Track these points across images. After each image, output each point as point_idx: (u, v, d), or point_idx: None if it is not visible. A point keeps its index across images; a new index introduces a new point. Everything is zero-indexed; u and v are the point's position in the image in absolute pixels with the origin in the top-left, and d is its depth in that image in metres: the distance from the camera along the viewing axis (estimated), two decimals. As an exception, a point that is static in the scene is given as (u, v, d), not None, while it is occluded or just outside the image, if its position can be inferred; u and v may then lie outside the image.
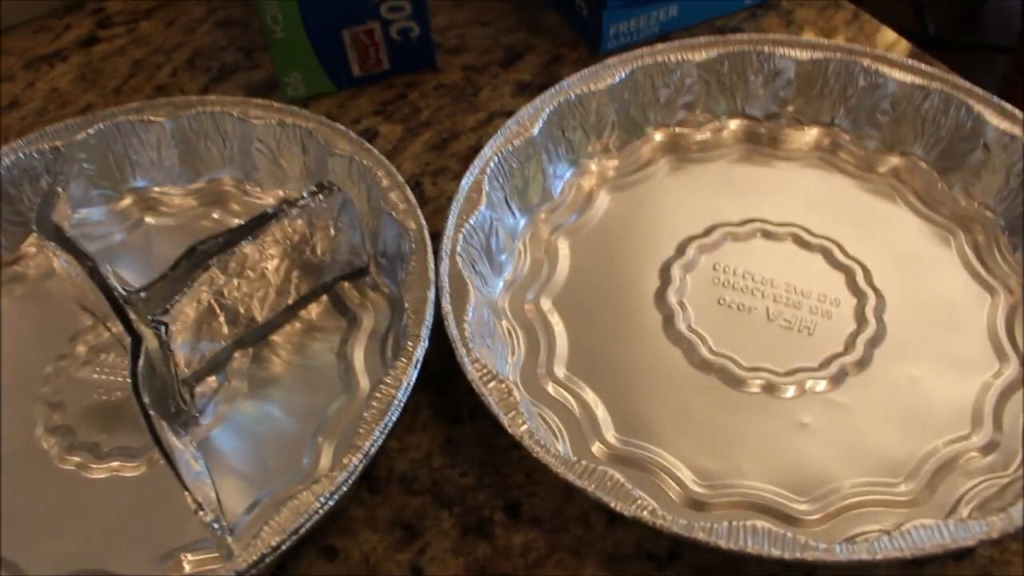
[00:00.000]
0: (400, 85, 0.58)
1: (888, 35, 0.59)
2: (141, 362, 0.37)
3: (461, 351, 0.37)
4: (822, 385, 0.41)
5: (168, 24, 0.66)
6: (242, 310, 0.43)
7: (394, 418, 0.35)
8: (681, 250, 0.46)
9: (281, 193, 0.50)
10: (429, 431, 0.41)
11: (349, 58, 0.56)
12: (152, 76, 0.62)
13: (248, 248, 0.41)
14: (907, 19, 1.57)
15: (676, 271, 0.45)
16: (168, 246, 0.49)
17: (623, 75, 0.49)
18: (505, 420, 0.35)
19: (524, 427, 0.35)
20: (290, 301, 0.44)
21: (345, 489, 0.34)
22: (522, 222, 0.47)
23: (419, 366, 0.37)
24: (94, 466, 0.40)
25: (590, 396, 0.41)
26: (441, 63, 0.59)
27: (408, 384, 0.36)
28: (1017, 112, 0.46)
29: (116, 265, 0.47)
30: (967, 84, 0.48)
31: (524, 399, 0.37)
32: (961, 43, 1.64)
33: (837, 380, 0.41)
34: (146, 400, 0.36)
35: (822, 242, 0.46)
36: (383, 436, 0.35)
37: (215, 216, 0.50)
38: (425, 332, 0.38)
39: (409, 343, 0.37)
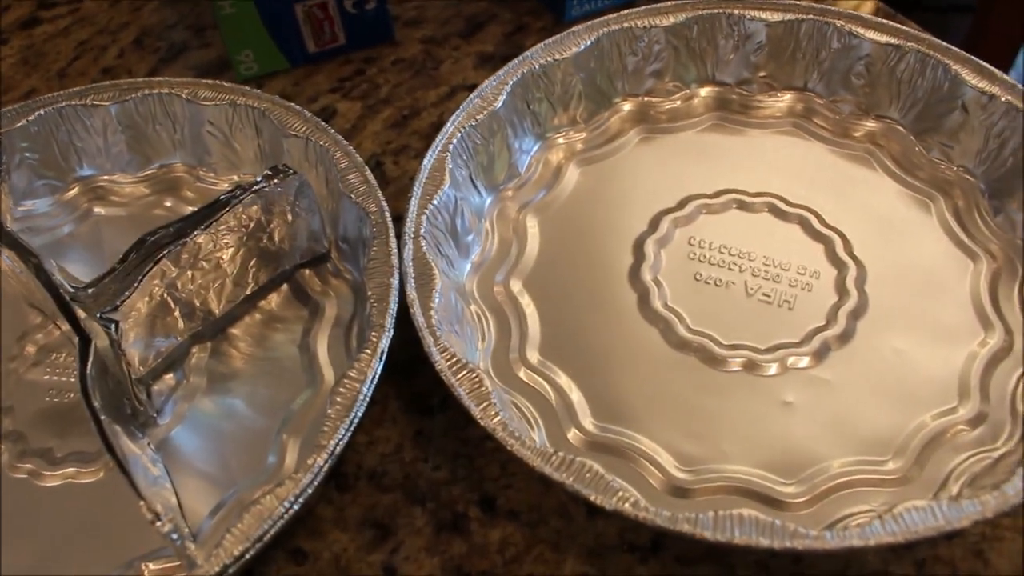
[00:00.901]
0: (358, 60, 0.55)
1: (859, -6, 0.57)
2: (91, 363, 0.35)
3: (428, 340, 0.35)
4: (805, 361, 0.39)
5: (113, 2, 0.63)
6: (198, 303, 0.41)
7: (359, 414, 0.34)
8: (654, 225, 0.44)
9: (236, 178, 0.48)
10: (399, 424, 0.39)
11: (303, 33, 0.54)
12: (98, 58, 0.59)
13: (201, 238, 0.39)
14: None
15: (650, 247, 0.43)
16: (119, 237, 0.47)
17: (588, 43, 0.47)
18: (477, 412, 0.33)
19: (497, 418, 0.33)
20: (248, 291, 0.42)
21: (311, 491, 0.32)
22: (488, 200, 0.45)
23: (384, 357, 0.35)
24: (47, 473, 0.38)
25: (564, 381, 0.39)
26: (399, 36, 0.56)
27: (373, 377, 0.34)
28: (996, 71, 0.45)
29: (65, 259, 0.45)
30: (943, 43, 0.46)
31: (496, 388, 0.36)
32: (922, 4, 1.63)
33: (820, 355, 0.40)
34: (97, 404, 0.34)
35: (799, 212, 0.45)
36: (348, 434, 0.33)
37: (167, 204, 0.48)
38: (389, 321, 0.36)
39: (373, 333, 0.36)
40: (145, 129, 0.48)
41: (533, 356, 0.40)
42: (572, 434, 0.38)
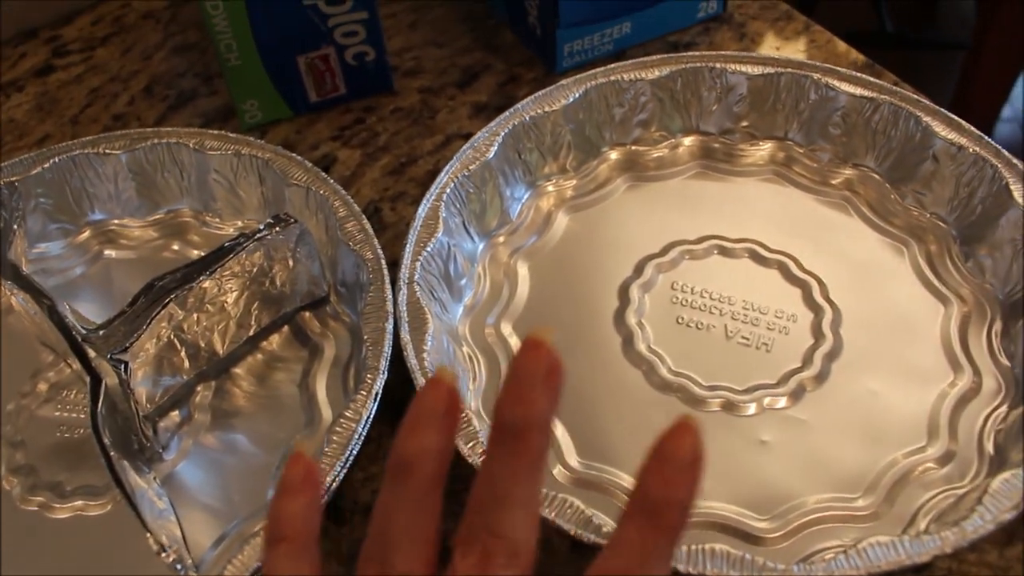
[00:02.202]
0: (358, 109, 0.58)
1: (839, 46, 0.60)
2: (101, 401, 0.37)
3: (420, 381, 0.37)
4: (781, 402, 0.41)
5: (125, 51, 0.66)
6: (203, 344, 0.43)
7: (355, 452, 0.35)
8: (639, 270, 0.46)
9: (240, 223, 0.50)
10: (393, 460, 0.41)
11: (305, 84, 0.56)
12: (109, 105, 0.61)
13: (207, 283, 0.41)
14: (866, 16, 1.59)
15: (635, 291, 0.45)
16: (128, 279, 0.49)
17: (577, 95, 0.50)
18: (465, 450, 0.35)
19: (484, 457, 0.35)
20: (251, 333, 0.44)
21: (307, 526, 0.34)
22: (481, 246, 0.47)
23: (379, 399, 0.37)
24: (57, 506, 0.40)
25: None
26: (398, 86, 0.59)
27: (368, 417, 0.36)
28: (963, 123, 0.47)
29: (76, 299, 0.48)
30: (915, 96, 0.49)
31: (485, 427, 0.38)
32: (919, 40, 1.66)
33: (796, 396, 0.41)
34: (106, 440, 0.36)
35: (778, 257, 0.47)
36: (344, 471, 0.35)
37: (175, 247, 0.50)
38: (383, 364, 0.38)
39: (368, 376, 0.38)
40: (154, 176, 0.50)
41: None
42: (558, 471, 0.39)
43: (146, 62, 0.65)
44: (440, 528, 0.27)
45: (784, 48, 0.60)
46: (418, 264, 0.41)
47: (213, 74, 0.62)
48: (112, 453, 0.35)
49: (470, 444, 0.36)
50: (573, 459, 0.40)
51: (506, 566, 0.24)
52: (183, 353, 0.42)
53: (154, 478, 0.40)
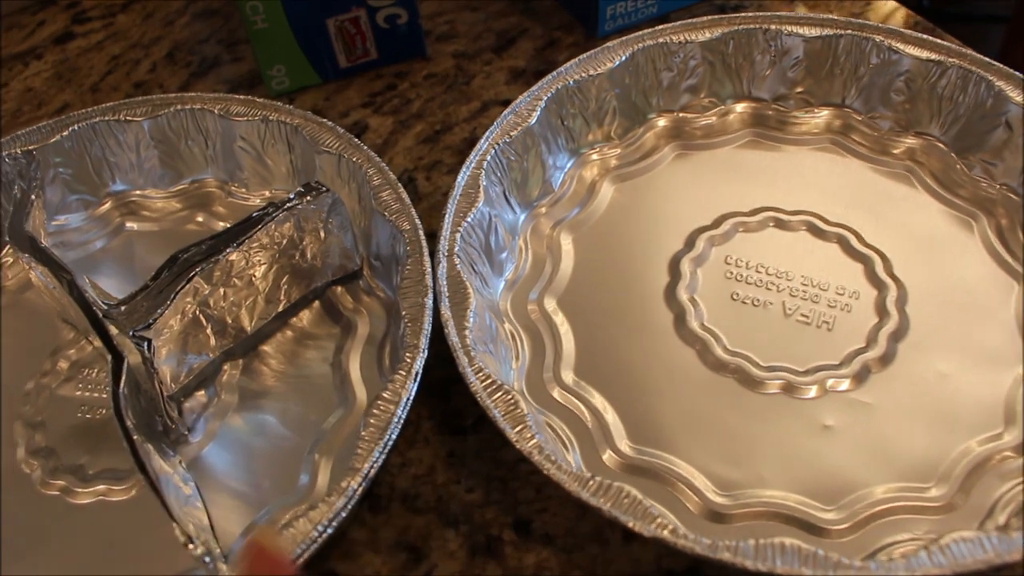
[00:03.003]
0: (389, 75, 0.55)
1: (899, 10, 0.56)
2: (123, 382, 0.35)
3: (463, 361, 0.35)
4: (844, 384, 0.39)
5: (146, 17, 0.64)
6: (230, 320, 0.41)
7: (394, 436, 0.33)
8: (690, 243, 0.43)
9: (267, 193, 0.48)
10: (431, 445, 0.38)
11: (335, 48, 0.54)
12: (130, 72, 0.59)
13: (234, 255, 0.39)
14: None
15: (686, 265, 0.43)
16: (151, 252, 0.47)
17: (623, 58, 0.47)
18: (512, 435, 0.33)
19: (533, 441, 0.33)
20: (280, 308, 0.42)
21: (344, 515, 0.32)
22: (522, 217, 0.45)
23: (418, 379, 0.35)
24: (79, 490, 0.38)
25: (600, 402, 0.38)
26: (431, 51, 0.56)
27: (407, 400, 0.34)
28: (1040, 87, 0.44)
29: (97, 273, 0.45)
30: (985, 59, 0.46)
31: (531, 409, 0.35)
32: (956, 14, 1.61)
33: (860, 378, 0.39)
34: (129, 424, 0.34)
35: (838, 230, 0.44)
36: (383, 456, 0.33)
37: (199, 219, 0.48)
38: (424, 342, 0.35)
39: (408, 354, 0.35)
40: (177, 144, 0.48)
41: (568, 376, 0.39)
42: (608, 456, 0.37)
43: (168, 28, 0.62)
44: None
45: (839, 11, 0.56)
46: (458, 235, 0.39)
47: (237, 40, 0.60)
48: (135, 436, 0.33)
49: (518, 428, 0.33)
50: (624, 443, 0.37)
51: None
52: (209, 330, 0.40)
53: (180, 462, 0.38)
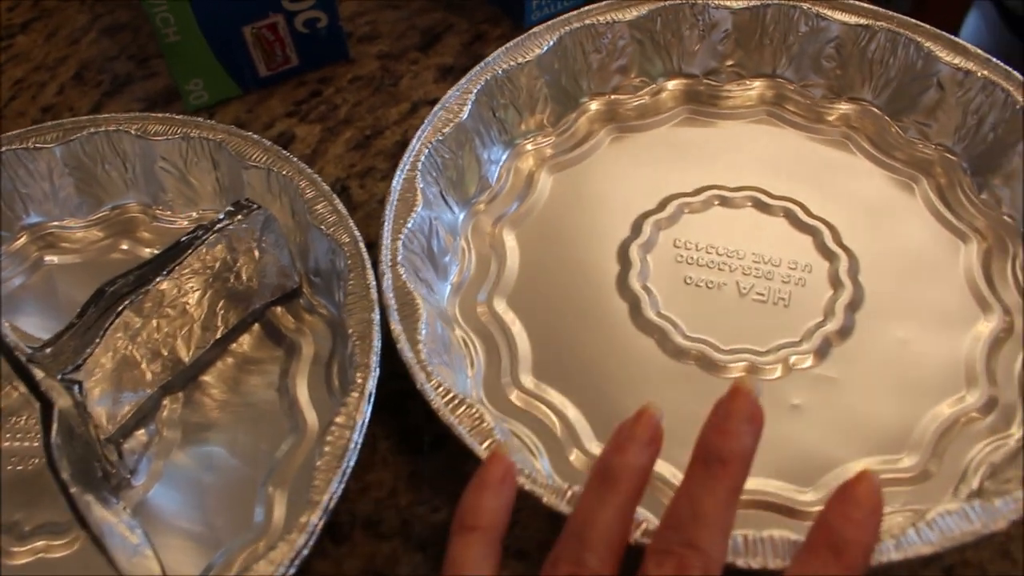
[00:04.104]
0: (313, 81, 0.53)
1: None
2: (55, 431, 0.33)
3: (421, 377, 0.33)
4: (807, 360, 0.38)
5: (48, 36, 0.61)
6: (165, 352, 0.38)
7: (351, 464, 0.32)
8: (637, 229, 0.42)
9: (195, 214, 0.45)
10: (391, 465, 0.37)
11: (253, 57, 0.51)
12: (36, 96, 0.56)
13: (164, 284, 0.37)
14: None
15: (635, 252, 0.41)
16: (75, 286, 0.44)
17: (550, 43, 0.45)
18: (481, 452, 0.31)
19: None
20: (218, 335, 0.40)
21: (306, 552, 0.30)
22: (461, 216, 0.43)
23: (372, 400, 0.33)
24: (16, 549, 0.36)
25: (562, 402, 0.37)
26: (354, 53, 0.54)
27: (363, 423, 0.32)
28: (969, 46, 0.44)
29: (18, 313, 0.43)
30: (913, 21, 0.45)
31: (496, 419, 0.34)
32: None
33: (822, 353, 0.38)
34: (65, 476, 0.31)
35: (783, 204, 0.43)
36: (342, 486, 0.31)
37: (124, 247, 0.45)
38: (375, 360, 0.34)
39: (359, 374, 0.34)
40: (94, 170, 0.45)
41: (526, 379, 0.38)
42: (576, 458, 0.36)
43: (73, 47, 0.59)
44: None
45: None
46: (400, 243, 0.37)
47: (149, 55, 0.57)
48: (72, 489, 0.31)
49: (486, 443, 0.32)
50: (591, 443, 0.36)
51: None
52: (144, 364, 0.38)
53: (124, 508, 0.36)
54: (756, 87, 0.48)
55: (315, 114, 0.51)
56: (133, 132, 0.44)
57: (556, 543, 0.27)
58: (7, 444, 0.39)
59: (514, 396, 0.38)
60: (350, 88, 0.52)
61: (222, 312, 0.40)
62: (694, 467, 0.27)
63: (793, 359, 0.38)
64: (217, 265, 0.38)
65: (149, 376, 0.38)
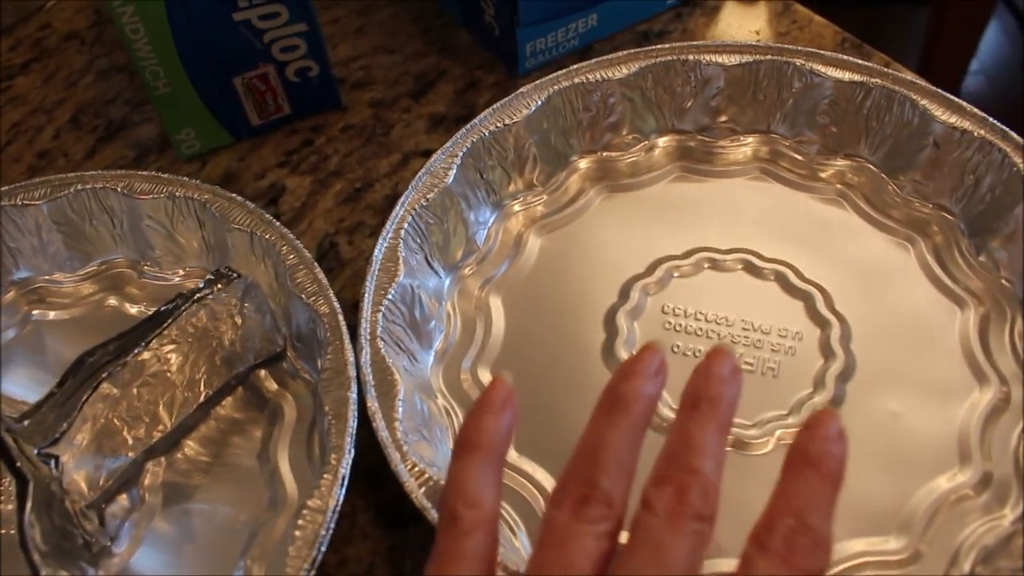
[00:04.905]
0: (305, 130, 0.53)
1: (826, 27, 0.55)
2: (28, 509, 0.33)
3: (395, 457, 0.33)
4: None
5: (47, 78, 0.61)
6: (147, 418, 0.38)
7: (323, 549, 0.31)
8: (625, 294, 0.42)
9: (182, 271, 0.45)
10: (370, 539, 0.36)
11: (245, 107, 0.51)
12: (32, 140, 0.56)
13: (144, 355, 0.37)
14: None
15: (622, 319, 0.41)
16: (63, 342, 0.44)
17: (539, 103, 0.45)
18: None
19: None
20: (201, 399, 0.40)
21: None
22: (447, 281, 0.43)
23: (346, 481, 0.33)
24: (-3, 619, 0.35)
25: (543, 477, 0.37)
26: (347, 100, 0.54)
27: (336, 505, 0.32)
28: (965, 104, 0.43)
29: (7, 368, 0.43)
30: (908, 77, 0.45)
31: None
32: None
33: (809, 426, 0.37)
34: (36, 558, 0.31)
35: (775, 267, 0.43)
36: (312, 571, 0.31)
37: (112, 303, 0.45)
38: (349, 442, 0.33)
39: (333, 456, 0.33)
40: (82, 226, 0.45)
41: (509, 453, 0.37)
42: (555, 535, 0.35)
43: (71, 89, 0.59)
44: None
45: (764, 32, 0.55)
46: (380, 315, 0.37)
47: (146, 99, 0.57)
48: (43, 573, 0.31)
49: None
50: (571, 520, 0.35)
51: (701, 500, 0.25)
52: (125, 432, 0.38)
53: (102, 581, 0.35)
54: (750, 143, 0.48)
55: (306, 164, 0.51)
56: (120, 190, 0.44)
57: (564, 469, 0.27)
58: (-5, 508, 0.39)
59: (496, 470, 0.37)
60: (342, 137, 0.52)
61: (204, 377, 0.39)
62: (684, 410, 0.27)
63: (780, 432, 0.37)
64: (199, 332, 0.38)
65: (131, 441, 0.38)
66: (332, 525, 0.32)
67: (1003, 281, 0.41)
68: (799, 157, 0.47)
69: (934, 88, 0.44)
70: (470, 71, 0.55)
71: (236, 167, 0.52)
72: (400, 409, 0.34)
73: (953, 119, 0.43)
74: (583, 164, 0.47)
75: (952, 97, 0.43)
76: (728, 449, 0.37)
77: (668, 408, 0.38)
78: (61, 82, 0.60)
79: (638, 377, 0.28)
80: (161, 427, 0.39)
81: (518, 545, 0.34)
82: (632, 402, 0.28)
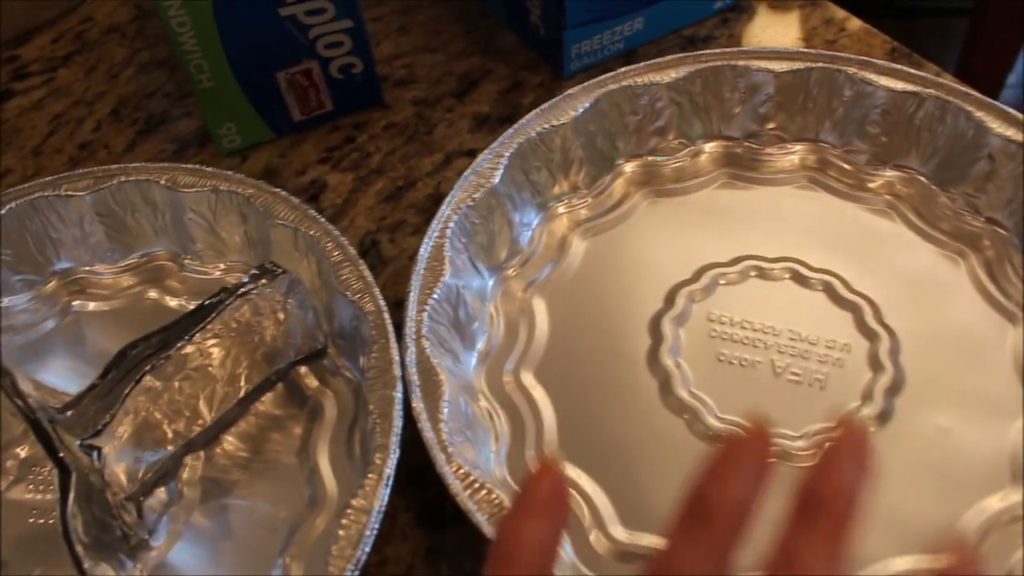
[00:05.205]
0: (347, 126, 0.53)
1: (875, 35, 0.55)
2: (71, 500, 0.32)
3: (440, 459, 0.32)
4: (842, 448, 0.37)
5: (89, 70, 0.61)
6: (187, 412, 0.38)
7: (367, 549, 0.31)
8: (670, 300, 0.41)
9: (223, 265, 0.45)
10: (409, 539, 0.36)
11: (287, 102, 0.51)
12: (74, 132, 0.56)
13: (187, 348, 0.36)
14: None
15: (667, 326, 0.40)
16: (103, 333, 0.44)
17: (586, 105, 0.45)
18: (481, 521, 0.31)
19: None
20: (241, 394, 0.39)
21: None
22: (491, 281, 0.42)
23: (391, 483, 0.32)
24: (33, 606, 0.35)
25: (587, 483, 0.36)
26: (390, 98, 0.54)
27: (380, 507, 0.32)
28: (1021, 116, 0.42)
29: (47, 359, 0.43)
30: (963, 88, 0.44)
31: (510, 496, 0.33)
32: (920, 8, 1.61)
33: (857, 440, 0.37)
34: (79, 548, 0.31)
35: (822, 277, 0.42)
36: (356, 572, 0.30)
37: (152, 295, 0.45)
38: (394, 442, 0.33)
39: (378, 456, 0.33)
40: (124, 218, 0.45)
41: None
42: (595, 537, 0.35)
43: (112, 82, 0.59)
44: None
45: (813, 39, 0.55)
46: (425, 315, 0.36)
47: (186, 93, 0.57)
48: (85, 564, 0.31)
49: (488, 516, 0.31)
50: (616, 527, 0.35)
51: None
52: (166, 424, 0.37)
53: (140, 572, 0.35)
54: (797, 151, 0.47)
55: (347, 161, 0.51)
56: (163, 182, 0.44)
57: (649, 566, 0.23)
58: (29, 496, 0.39)
59: (538, 474, 0.36)
60: (384, 135, 0.52)
61: (245, 372, 0.39)
62: (794, 514, 0.24)
63: (828, 445, 0.36)
64: (241, 327, 0.38)
65: (171, 435, 0.38)
66: (377, 525, 0.31)
67: (1056, 298, 0.41)
68: (847, 167, 0.46)
69: (989, 100, 0.43)
70: (514, 71, 0.55)
71: (277, 163, 0.51)
72: (445, 410, 0.34)
73: (1010, 132, 0.42)
74: (628, 168, 0.47)
75: (1009, 110, 0.43)
76: (772, 461, 0.36)
77: (714, 418, 0.38)
78: (102, 75, 0.60)
79: (731, 479, 0.23)
80: (201, 421, 0.39)
81: (562, 553, 0.34)
82: (718, 513, 0.23)
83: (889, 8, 1.49)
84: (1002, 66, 1.42)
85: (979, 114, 0.43)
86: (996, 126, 0.42)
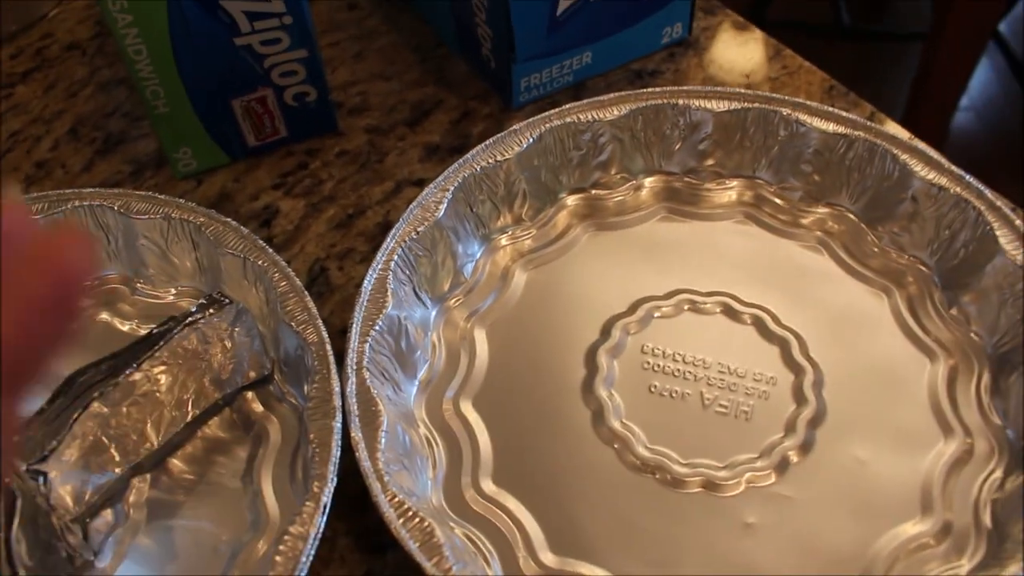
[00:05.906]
0: (300, 153, 0.54)
1: (815, 73, 0.57)
2: (15, 524, 0.33)
3: (376, 488, 0.34)
4: (765, 477, 0.38)
5: (48, 88, 0.61)
6: (135, 436, 0.39)
7: (303, 575, 0.32)
8: (606, 332, 0.43)
9: (174, 290, 0.46)
10: (348, 563, 0.37)
11: (242, 128, 0.52)
12: (31, 150, 0.57)
13: (135, 376, 0.37)
14: (822, 9, 1.57)
15: (603, 357, 0.42)
16: (53, 355, 0.45)
17: (531, 140, 0.46)
18: (430, 568, 0.32)
19: (451, 572, 0.32)
20: (188, 419, 0.41)
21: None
22: (434, 312, 0.44)
23: (327, 510, 0.34)
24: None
25: (519, 509, 0.38)
26: (343, 125, 0.55)
27: (316, 533, 0.33)
28: (943, 160, 0.45)
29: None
30: (891, 131, 0.46)
31: (448, 531, 0.34)
32: (875, 32, 1.65)
33: (780, 469, 0.39)
34: (22, 574, 0.32)
35: (753, 311, 0.44)
36: (291, 600, 0.32)
37: (103, 318, 0.46)
38: (332, 470, 0.34)
39: (316, 484, 0.34)
40: (77, 241, 0.46)
41: (486, 484, 0.38)
42: (530, 568, 0.36)
43: (71, 100, 0.60)
44: None
45: (754, 75, 0.57)
46: (367, 345, 0.38)
47: (144, 114, 0.58)
48: (27, 590, 0.31)
49: (434, 560, 0.32)
50: (545, 553, 0.37)
51: None
52: (113, 448, 0.38)
53: (84, 594, 0.36)
54: (735, 187, 0.49)
55: (300, 187, 0.52)
56: (116, 208, 0.45)
57: None
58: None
59: (473, 500, 0.38)
60: (336, 163, 0.53)
61: (193, 397, 0.40)
62: None
63: (749, 475, 0.38)
64: (189, 355, 0.39)
65: (118, 458, 0.39)
66: (313, 552, 0.32)
67: (972, 335, 0.43)
68: (782, 203, 0.48)
69: (915, 144, 0.45)
70: (465, 101, 0.56)
71: (231, 187, 0.53)
72: (383, 440, 0.35)
73: (932, 175, 0.44)
74: (571, 201, 0.48)
75: (932, 153, 0.45)
76: (697, 492, 0.38)
77: (643, 448, 0.39)
78: (61, 92, 0.61)
79: None
80: (148, 445, 0.40)
81: (491, 573, 0.35)
82: None
83: (845, 33, 1.52)
84: (955, 90, 1.46)
85: (904, 156, 0.45)
86: (919, 169, 0.44)
